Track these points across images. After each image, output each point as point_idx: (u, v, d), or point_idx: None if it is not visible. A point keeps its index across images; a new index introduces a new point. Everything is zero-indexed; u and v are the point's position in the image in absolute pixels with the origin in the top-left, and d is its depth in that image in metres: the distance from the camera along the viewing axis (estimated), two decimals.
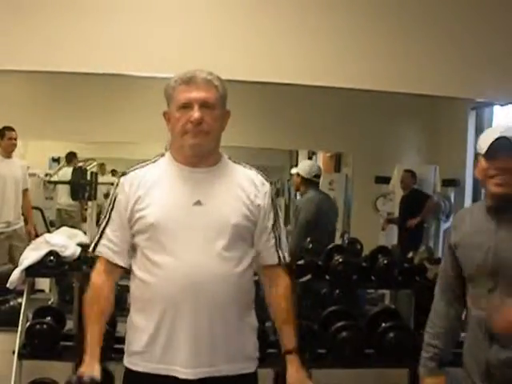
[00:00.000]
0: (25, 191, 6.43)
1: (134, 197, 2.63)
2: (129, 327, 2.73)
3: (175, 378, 2.56)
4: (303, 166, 6.47)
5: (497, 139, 2.74)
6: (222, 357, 2.60)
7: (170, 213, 2.59)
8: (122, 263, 2.68)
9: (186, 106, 2.60)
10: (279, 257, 2.76)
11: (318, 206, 6.15)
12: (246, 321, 2.73)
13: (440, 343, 2.98)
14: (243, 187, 2.69)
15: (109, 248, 2.68)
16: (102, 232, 2.70)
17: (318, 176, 6.36)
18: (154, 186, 2.64)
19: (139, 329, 2.64)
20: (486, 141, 2.79)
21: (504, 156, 2.73)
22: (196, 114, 2.58)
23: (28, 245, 5.69)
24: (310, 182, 6.27)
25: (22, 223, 6.36)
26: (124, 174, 2.72)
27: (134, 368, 2.66)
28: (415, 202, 7.20)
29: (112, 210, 2.68)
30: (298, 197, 6.69)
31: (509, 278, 2.75)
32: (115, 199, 2.68)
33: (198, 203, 2.60)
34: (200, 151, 2.64)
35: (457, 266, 2.96)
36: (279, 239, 2.77)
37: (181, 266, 2.55)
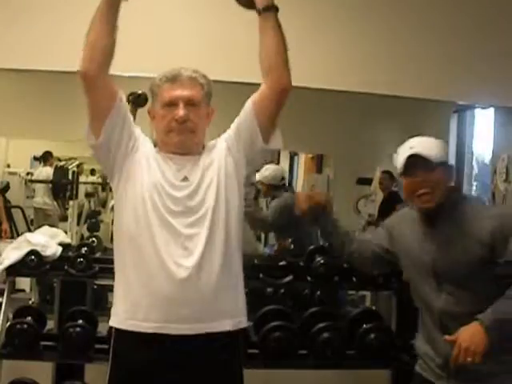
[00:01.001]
0: None
1: (140, 146, 2.64)
2: (114, 315, 2.69)
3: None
4: (266, 173, 6.37)
5: (409, 157, 2.88)
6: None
7: (158, 187, 2.59)
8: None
9: (171, 103, 2.61)
10: None
11: (286, 209, 6.06)
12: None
13: None
14: (218, 156, 2.70)
15: None
16: None
17: (283, 179, 6.33)
18: (146, 161, 2.65)
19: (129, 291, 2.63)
20: (400, 160, 2.93)
21: (420, 171, 2.89)
22: (181, 112, 2.59)
23: None
24: (276, 187, 6.25)
25: None
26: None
27: (118, 326, 2.64)
28: (393, 205, 7.19)
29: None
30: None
31: (450, 281, 2.91)
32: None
33: (185, 179, 2.62)
34: (185, 148, 2.65)
35: (388, 248, 3.24)
36: None
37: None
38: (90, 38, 2.58)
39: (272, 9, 2.66)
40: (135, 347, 2.58)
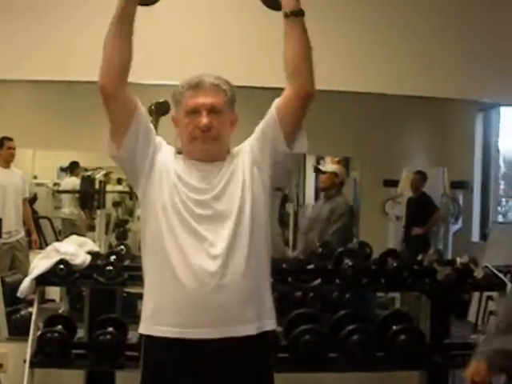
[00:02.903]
0: (24, 200, 6.44)
1: (160, 157, 2.64)
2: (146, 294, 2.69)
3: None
4: (341, 168, 6.44)
5: None
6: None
7: (181, 197, 2.60)
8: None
9: (194, 111, 2.60)
10: None
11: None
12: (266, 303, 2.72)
13: None
14: (242, 162, 2.69)
15: None
16: None
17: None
18: (172, 171, 2.65)
19: (155, 294, 2.63)
20: None
21: None
22: (204, 120, 2.58)
23: (28, 255, 5.74)
24: (341, 185, 6.28)
25: (23, 233, 6.36)
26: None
27: (147, 332, 2.63)
28: (423, 207, 7.13)
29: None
30: (322, 200, 6.56)
31: None
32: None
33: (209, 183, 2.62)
34: (210, 155, 2.64)
35: None
36: None
37: (197, 260, 2.56)
38: (106, 53, 2.58)
39: (299, 13, 2.64)
40: (161, 352, 2.58)
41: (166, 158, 2.66)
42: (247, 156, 2.68)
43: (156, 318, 2.57)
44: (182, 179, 2.61)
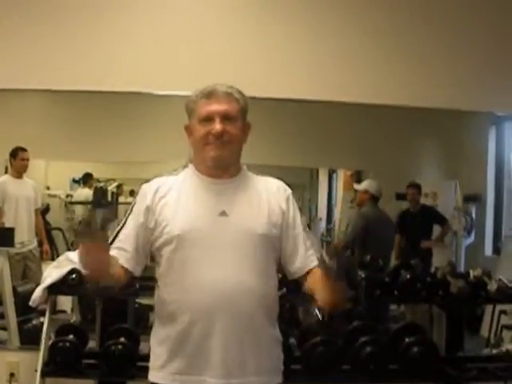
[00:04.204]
0: (36, 211, 6.46)
1: (157, 205, 2.63)
2: (153, 340, 2.71)
3: None
4: (372, 184, 6.56)
5: None
6: (251, 368, 2.58)
7: (195, 223, 2.58)
8: (130, 268, 2.69)
9: (208, 118, 2.62)
10: (316, 258, 2.75)
11: (368, 221, 6.30)
12: (272, 333, 2.71)
13: None
14: (265, 195, 2.69)
15: (119, 252, 2.68)
16: (116, 235, 2.71)
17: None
18: (177, 197, 2.64)
19: (165, 341, 2.62)
20: None
21: None
22: (217, 126, 2.60)
23: (40, 265, 5.74)
24: (375, 199, 6.39)
25: (35, 243, 6.37)
26: (147, 181, 2.73)
27: (160, 382, 2.63)
28: (426, 220, 7.02)
29: (129, 215, 2.69)
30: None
31: None
32: (134, 205, 2.69)
33: (223, 214, 2.60)
34: (222, 162, 2.65)
35: None
36: (310, 243, 2.76)
37: (208, 276, 2.54)
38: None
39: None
40: None
41: (176, 192, 2.67)
42: (281, 206, 2.70)
43: (170, 366, 2.62)
44: (196, 207, 2.63)
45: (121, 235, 2.71)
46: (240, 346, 2.54)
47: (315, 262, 2.75)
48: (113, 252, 2.64)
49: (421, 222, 6.93)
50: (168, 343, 2.61)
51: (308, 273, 2.74)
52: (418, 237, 6.78)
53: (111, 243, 2.70)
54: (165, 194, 2.66)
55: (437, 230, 6.92)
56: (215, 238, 2.57)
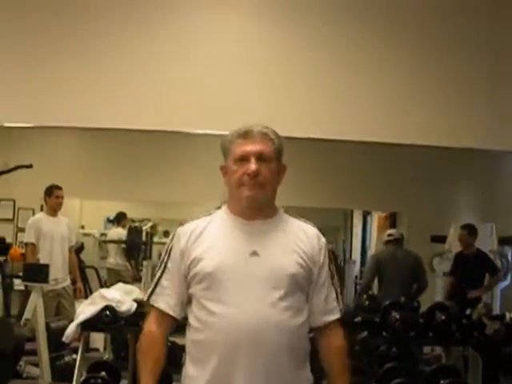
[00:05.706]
0: (70, 248, 6.51)
1: (190, 248, 2.63)
2: (183, 378, 2.71)
3: None
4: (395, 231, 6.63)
5: None
6: None
7: (227, 262, 2.58)
8: (174, 314, 2.68)
9: (243, 158, 2.62)
10: (340, 311, 2.73)
11: (378, 263, 6.35)
12: (301, 374, 2.68)
13: None
14: (299, 240, 2.68)
15: (163, 298, 2.68)
16: (158, 282, 2.70)
17: (390, 235, 6.46)
18: (210, 237, 2.65)
19: (195, 379, 2.62)
20: None
21: None
22: (253, 166, 2.59)
23: (74, 303, 5.76)
24: (396, 240, 6.39)
25: (69, 281, 6.41)
26: (181, 224, 2.73)
27: None
28: (480, 266, 6.78)
29: (168, 260, 2.68)
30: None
31: None
32: (171, 249, 2.68)
33: (255, 253, 2.59)
34: (256, 203, 2.64)
35: None
36: (338, 293, 2.74)
37: (238, 315, 2.53)
38: None
39: None
40: None
41: (207, 237, 2.68)
42: (313, 253, 2.69)
43: None
44: (227, 247, 2.63)
45: (163, 282, 2.71)
46: None
47: (335, 316, 2.73)
48: (158, 299, 2.66)
49: (474, 268, 6.67)
50: (197, 382, 2.60)
51: (326, 327, 2.73)
52: (470, 283, 6.57)
53: (154, 289, 2.71)
54: (198, 236, 2.66)
55: None
56: (246, 277, 2.57)
